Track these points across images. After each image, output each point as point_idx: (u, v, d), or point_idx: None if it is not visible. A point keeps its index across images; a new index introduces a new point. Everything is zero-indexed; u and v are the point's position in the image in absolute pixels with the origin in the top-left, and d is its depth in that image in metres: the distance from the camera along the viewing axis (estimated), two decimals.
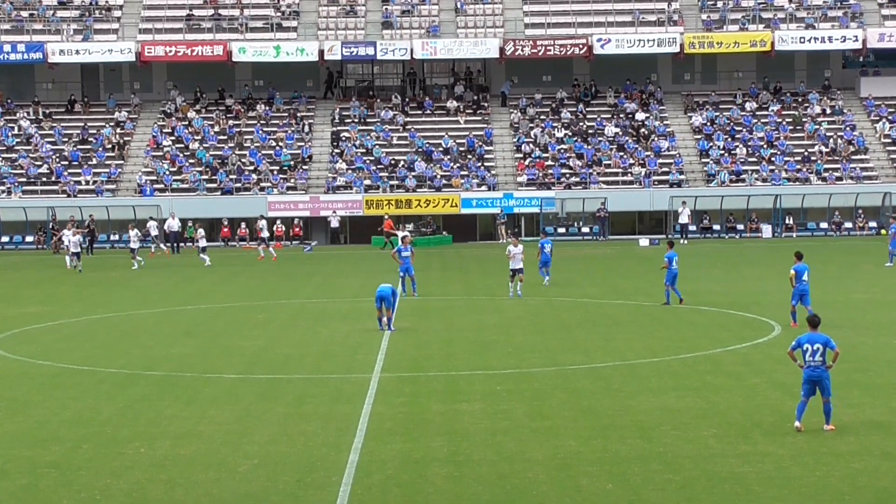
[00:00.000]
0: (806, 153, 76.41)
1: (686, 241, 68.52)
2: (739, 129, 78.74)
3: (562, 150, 76.82)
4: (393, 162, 76.15)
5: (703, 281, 46.24)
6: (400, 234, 51.46)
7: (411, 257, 41.90)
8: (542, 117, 79.93)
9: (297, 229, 72.60)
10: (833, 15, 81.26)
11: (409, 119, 79.99)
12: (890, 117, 79.40)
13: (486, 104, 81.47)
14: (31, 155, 76.86)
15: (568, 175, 75.04)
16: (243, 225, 72.03)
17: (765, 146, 77.18)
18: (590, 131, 78.73)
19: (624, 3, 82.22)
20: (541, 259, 44.76)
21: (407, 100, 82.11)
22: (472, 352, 29.73)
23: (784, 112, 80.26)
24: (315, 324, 35.54)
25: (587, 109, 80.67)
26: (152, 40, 79.33)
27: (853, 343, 30.23)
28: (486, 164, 76.35)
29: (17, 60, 78.83)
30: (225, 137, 78.57)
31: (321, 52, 78.41)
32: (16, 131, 79.03)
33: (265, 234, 62.26)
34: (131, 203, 72.22)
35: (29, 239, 71.52)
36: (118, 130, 79.07)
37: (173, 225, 67.25)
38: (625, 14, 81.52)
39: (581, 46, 78.48)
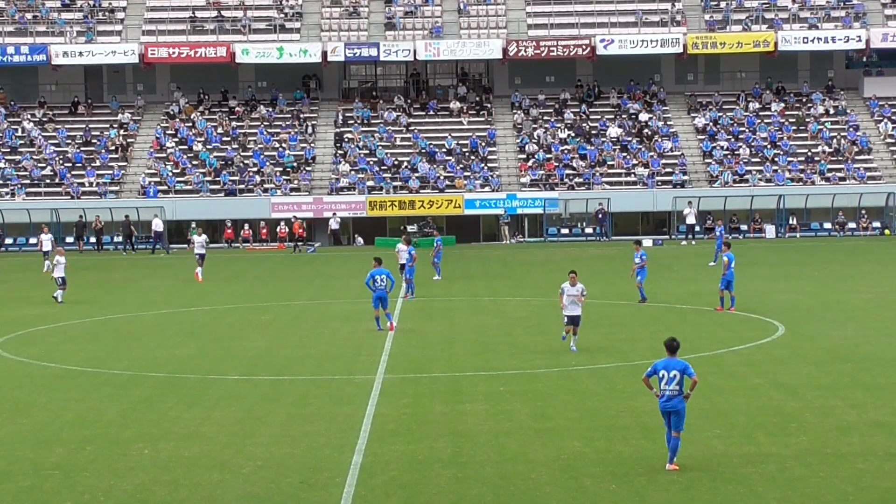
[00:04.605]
0: (809, 153, 76.33)
1: (695, 242, 68.48)
2: (742, 129, 78.65)
3: (565, 151, 76.78)
4: (396, 163, 76.14)
5: (706, 281, 46.21)
6: (402, 247, 44.45)
7: (413, 260, 41.97)
8: (546, 118, 79.90)
9: (300, 231, 72.58)
10: (836, 15, 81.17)
11: (412, 120, 79.96)
12: (893, 117, 79.28)
13: (489, 105, 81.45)
14: (34, 157, 76.87)
15: (571, 176, 75.02)
16: (246, 226, 72.04)
17: (768, 146, 77.10)
18: (593, 132, 78.68)
19: (627, 3, 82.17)
20: (436, 257, 47.76)
21: (410, 101, 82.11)
22: (474, 353, 29.74)
23: (787, 112, 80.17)
24: (317, 325, 35.56)
25: (590, 110, 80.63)
26: (155, 42, 79.35)
27: (857, 343, 30.24)
28: (489, 164, 76.34)
29: (20, 62, 78.83)
30: (228, 139, 78.59)
31: (324, 54, 78.42)
32: (19, 133, 79.05)
33: (201, 250, 50.91)
34: (135, 205, 72.22)
35: (33, 241, 71.52)
36: (122, 132, 79.09)
37: (158, 225, 68.22)
38: (628, 15, 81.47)
39: (584, 47, 78.44)
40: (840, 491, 16.94)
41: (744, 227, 73.14)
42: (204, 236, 52.47)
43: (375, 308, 33.41)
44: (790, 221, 72.82)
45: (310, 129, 79.31)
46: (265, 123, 79.74)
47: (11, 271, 56.64)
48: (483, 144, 77.59)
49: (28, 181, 75.01)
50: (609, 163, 75.98)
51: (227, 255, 65.83)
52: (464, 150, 77.18)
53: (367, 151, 77.09)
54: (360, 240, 71.51)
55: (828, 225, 73.37)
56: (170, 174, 74.97)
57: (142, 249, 69.34)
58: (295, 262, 60.75)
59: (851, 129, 78.16)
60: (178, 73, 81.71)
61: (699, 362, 27.62)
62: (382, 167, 75.77)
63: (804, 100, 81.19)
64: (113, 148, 77.69)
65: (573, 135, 78.10)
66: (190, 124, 79.66)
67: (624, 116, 79.89)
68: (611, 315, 36.21)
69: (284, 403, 23.63)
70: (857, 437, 19.95)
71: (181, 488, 17.67)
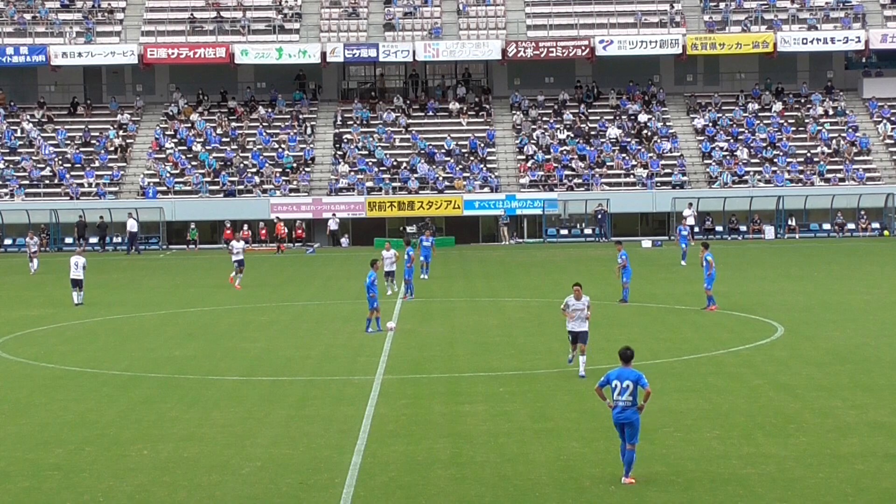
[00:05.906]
0: (808, 154, 76.35)
1: (694, 243, 68.36)
2: (742, 130, 78.68)
3: (564, 152, 76.78)
4: (395, 164, 76.13)
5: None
6: (387, 254, 42.60)
7: (411, 260, 42.10)
8: (545, 119, 79.91)
9: (299, 231, 72.59)
10: (835, 16, 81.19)
11: (411, 121, 79.97)
12: (892, 118, 79.30)
13: (488, 106, 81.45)
14: (33, 157, 76.87)
15: (570, 176, 75.03)
16: (245, 227, 72.01)
17: (767, 147, 77.12)
18: (592, 133, 78.70)
19: (626, 4, 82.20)
20: (423, 257, 47.94)
21: (409, 102, 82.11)
22: (474, 353, 29.73)
23: (786, 113, 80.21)
24: (317, 326, 35.55)
25: (589, 111, 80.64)
26: (155, 42, 79.36)
27: (856, 344, 30.23)
28: (488, 165, 76.35)
29: (19, 63, 78.86)
30: (227, 140, 78.59)
31: (323, 55, 78.44)
32: (18, 134, 79.05)
33: (239, 256, 47.54)
34: (134, 205, 72.16)
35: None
36: (121, 133, 79.10)
37: (132, 226, 68.30)
38: (627, 15, 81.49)
39: (583, 48, 78.47)
40: (839, 491, 16.94)
41: (743, 228, 73.15)
42: (242, 243, 49.30)
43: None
44: (789, 222, 72.82)
45: (309, 130, 79.31)
46: (264, 124, 79.74)
47: (11, 273, 56.64)
48: (482, 145, 77.60)
49: (27, 182, 74.99)
50: (608, 164, 75.98)
51: (226, 256, 65.72)
52: (463, 150, 77.19)
53: (367, 152, 77.09)
54: (345, 240, 71.44)
55: (827, 226, 73.35)
56: (169, 175, 74.95)
57: (142, 249, 69.30)
58: (294, 263, 60.74)
59: (851, 130, 78.18)
60: (178, 74, 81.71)
61: (699, 363, 27.67)
62: (381, 168, 75.77)
63: (803, 101, 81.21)
64: (112, 149, 77.68)
65: (572, 136, 78.10)
66: (189, 125, 79.65)
67: (623, 117, 79.90)
68: (611, 315, 36.19)
69: (284, 404, 23.62)
70: (857, 437, 19.95)
71: (180, 489, 17.67)
